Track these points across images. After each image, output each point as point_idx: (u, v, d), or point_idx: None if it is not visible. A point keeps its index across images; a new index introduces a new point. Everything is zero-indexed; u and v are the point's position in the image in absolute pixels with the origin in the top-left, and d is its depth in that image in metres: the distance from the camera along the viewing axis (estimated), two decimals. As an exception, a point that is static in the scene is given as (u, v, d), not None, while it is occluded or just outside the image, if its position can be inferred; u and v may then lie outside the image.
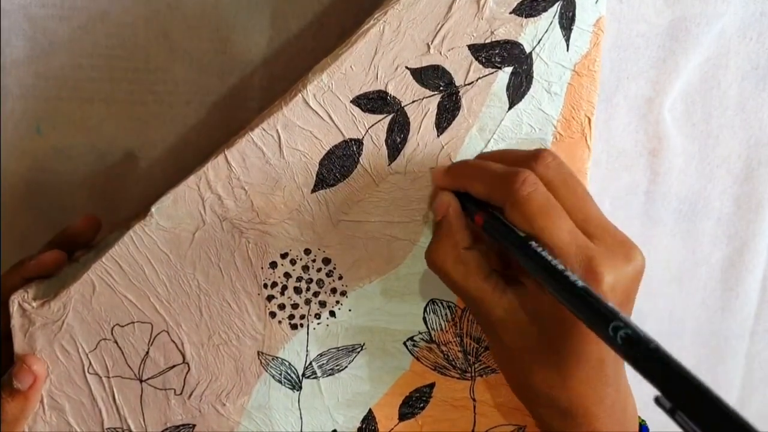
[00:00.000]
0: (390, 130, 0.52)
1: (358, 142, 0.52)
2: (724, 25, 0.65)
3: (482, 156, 0.53)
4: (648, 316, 0.74)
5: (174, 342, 0.55)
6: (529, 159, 0.48)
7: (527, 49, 0.52)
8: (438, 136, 0.53)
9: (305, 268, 0.55)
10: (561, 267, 0.42)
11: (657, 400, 0.36)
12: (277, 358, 0.56)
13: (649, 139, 0.68)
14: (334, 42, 0.62)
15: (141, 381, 0.56)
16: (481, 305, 0.49)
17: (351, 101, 0.51)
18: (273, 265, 0.54)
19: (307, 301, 0.55)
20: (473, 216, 0.49)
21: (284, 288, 0.55)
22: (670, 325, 0.75)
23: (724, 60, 0.67)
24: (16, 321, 0.53)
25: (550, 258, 0.43)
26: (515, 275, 0.50)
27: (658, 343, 0.37)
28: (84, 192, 0.65)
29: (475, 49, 0.51)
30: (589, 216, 0.47)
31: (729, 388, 0.78)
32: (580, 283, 0.41)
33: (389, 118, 0.52)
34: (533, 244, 0.44)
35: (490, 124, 0.53)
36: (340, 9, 0.62)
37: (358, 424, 0.58)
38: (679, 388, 0.35)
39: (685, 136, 0.69)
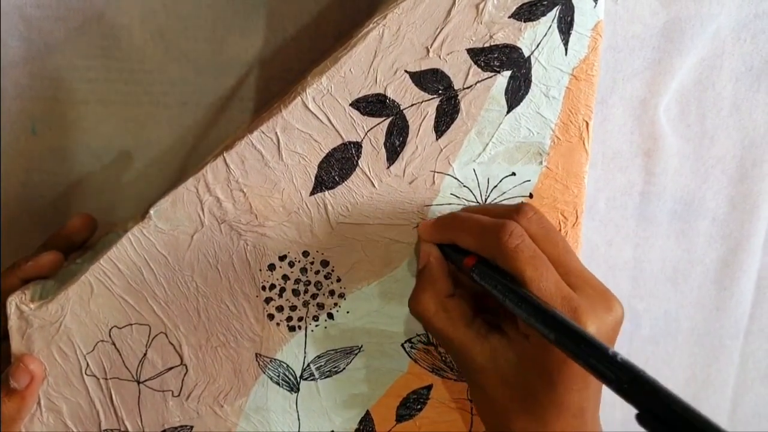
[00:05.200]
0: (389, 133, 0.52)
1: (357, 145, 0.52)
2: (718, 27, 0.65)
3: (467, 209, 0.54)
4: (643, 315, 0.75)
5: (172, 344, 0.55)
6: (511, 212, 0.50)
7: (526, 53, 0.52)
8: (437, 139, 0.53)
9: (303, 270, 0.55)
10: (557, 311, 0.43)
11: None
12: (275, 359, 0.56)
13: (644, 140, 0.68)
14: (330, 43, 0.62)
15: (139, 383, 0.56)
16: (462, 352, 0.50)
17: (350, 104, 0.51)
18: (271, 267, 0.54)
19: (305, 303, 0.55)
20: (461, 261, 0.51)
21: (282, 290, 0.55)
22: (665, 325, 0.75)
23: (718, 61, 0.67)
24: (13, 322, 0.53)
25: (543, 304, 0.44)
26: (494, 322, 0.51)
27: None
28: (79, 192, 0.65)
29: (474, 53, 0.51)
30: (571, 268, 0.49)
31: (723, 388, 0.78)
32: (578, 327, 0.42)
33: (388, 121, 0.52)
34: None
35: (488, 128, 0.53)
36: (337, 10, 0.62)
37: (356, 426, 0.59)
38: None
39: (679, 136, 0.69)
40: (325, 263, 0.55)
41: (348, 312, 0.56)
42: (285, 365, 0.56)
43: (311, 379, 0.57)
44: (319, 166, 0.52)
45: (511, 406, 0.49)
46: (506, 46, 0.51)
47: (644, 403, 0.37)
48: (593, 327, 0.46)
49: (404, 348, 0.57)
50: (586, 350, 0.40)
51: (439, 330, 0.50)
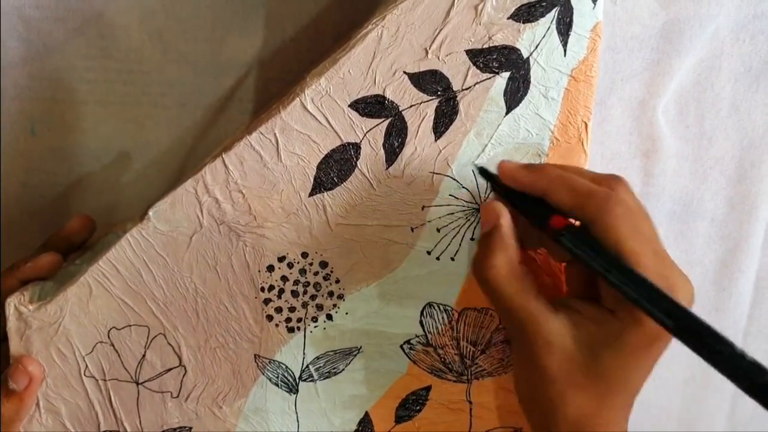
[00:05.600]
0: (388, 134, 0.52)
1: (356, 146, 0.52)
2: (717, 27, 0.65)
3: (553, 165, 0.51)
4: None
5: (171, 345, 0.55)
6: (610, 181, 0.48)
7: (525, 55, 0.52)
8: (435, 140, 0.53)
9: (302, 271, 0.55)
10: (663, 292, 0.42)
11: None
12: (274, 361, 0.56)
13: (643, 141, 0.68)
14: (329, 44, 0.62)
15: (137, 384, 0.56)
16: (529, 324, 0.47)
17: (349, 105, 0.51)
18: (270, 268, 0.54)
19: (304, 305, 0.55)
20: (545, 219, 0.47)
21: (281, 291, 0.55)
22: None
23: (717, 62, 0.67)
24: (12, 324, 0.53)
25: (658, 288, 0.43)
26: (557, 299, 0.49)
27: None
28: (79, 193, 0.65)
29: (473, 54, 0.51)
30: (658, 248, 0.47)
31: (722, 388, 0.78)
32: (703, 321, 0.41)
33: (387, 122, 0.52)
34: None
35: (487, 129, 0.53)
36: (336, 11, 0.62)
37: (355, 427, 0.59)
38: None
39: (678, 137, 0.69)
40: (324, 264, 0.55)
41: (347, 313, 0.56)
42: (284, 366, 0.56)
43: (310, 380, 0.57)
44: (318, 168, 0.52)
45: (572, 382, 0.47)
46: (505, 47, 0.51)
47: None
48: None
49: (403, 349, 0.57)
50: (714, 346, 0.39)
51: (508, 297, 0.48)
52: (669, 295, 0.42)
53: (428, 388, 0.58)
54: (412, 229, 0.55)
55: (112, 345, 0.54)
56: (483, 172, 0.53)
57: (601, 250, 0.45)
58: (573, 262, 0.52)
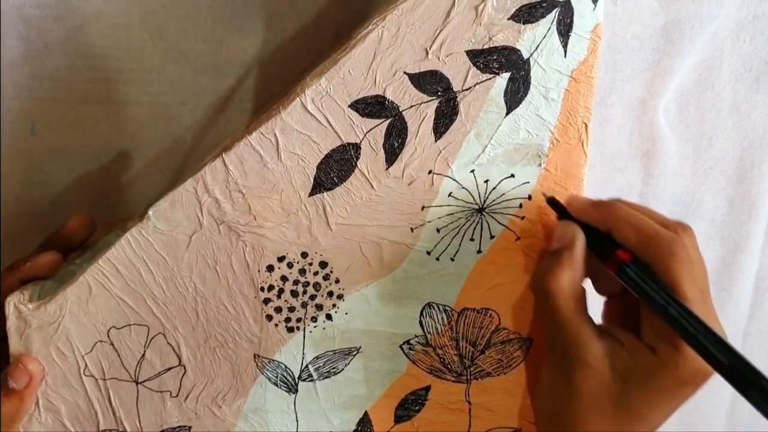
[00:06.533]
0: (388, 134, 0.52)
1: (356, 147, 0.52)
2: (717, 28, 0.65)
3: (623, 202, 0.53)
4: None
5: (170, 344, 0.55)
6: (677, 227, 0.50)
7: (525, 55, 0.52)
8: (435, 140, 0.53)
9: (302, 271, 0.55)
10: (719, 333, 0.44)
11: None
12: (273, 360, 0.56)
13: (643, 141, 0.68)
14: (329, 43, 0.62)
15: (137, 383, 0.56)
16: (574, 344, 0.50)
17: (349, 106, 0.51)
18: (270, 268, 0.54)
19: (304, 305, 0.55)
20: (611, 251, 0.49)
21: (281, 291, 0.55)
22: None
23: (717, 62, 0.67)
24: (11, 323, 0.53)
25: (705, 322, 0.45)
26: (602, 327, 0.51)
27: None
28: (79, 193, 0.65)
29: (473, 55, 0.51)
30: (709, 304, 0.49)
31: (722, 389, 0.78)
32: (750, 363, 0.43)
33: (387, 122, 0.52)
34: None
35: (487, 130, 0.53)
36: (336, 10, 0.62)
37: (354, 427, 0.59)
38: None
39: (678, 137, 0.69)
40: (323, 264, 0.55)
41: (346, 313, 0.56)
42: (283, 366, 0.56)
43: (309, 380, 0.57)
44: (318, 168, 0.52)
45: (597, 407, 0.49)
46: (505, 47, 0.51)
47: None
48: None
49: (402, 349, 0.57)
50: (764, 387, 0.41)
51: (563, 314, 0.50)
52: (721, 335, 0.44)
53: (427, 389, 0.58)
54: (412, 230, 0.55)
55: (112, 344, 0.54)
56: (552, 202, 0.54)
57: (660, 285, 0.47)
58: (615, 297, 0.54)
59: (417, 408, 0.59)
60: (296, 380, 0.57)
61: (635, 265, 0.48)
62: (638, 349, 0.49)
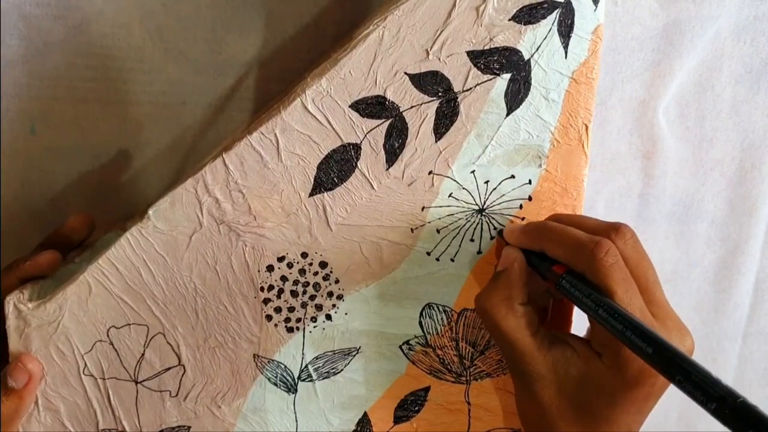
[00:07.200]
0: (388, 135, 0.52)
1: (356, 147, 0.52)
2: (718, 29, 0.65)
3: (558, 218, 0.54)
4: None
5: (170, 344, 0.55)
6: (608, 230, 0.50)
7: (526, 56, 0.52)
8: (436, 141, 0.53)
9: (302, 271, 0.55)
10: (651, 329, 0.44)
11: None
12: (273, 360, 0.56)
13: (644, 142, 0.68)
14: (329, 43, 0.62)
15: (136, 383, 0.56)
16: (523, 359, 0.50)
17: (349, 106, 0.51)
18: (270, 268, 0.54)
19: (304, 305, 0.55)
20: (548, 268, 0.50)
21: (281, 291, 0.55)
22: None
23: (718, 63, 0.67)
24: (11, 322, 0.53)
25: (639, 320, 0.45)
26: (557, 336, 0.52)
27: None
28: (78, 192, 0.65)
29: (474, 56, 0.51)
30: (655, 299, 0.50)
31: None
32: (676, 347, 0.42)
33: (387, 123, 0.52)
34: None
35: (488, 130, 0.53)
36: (336, 11, 0.62)
37: (354, 427, 0.59)
38: None
39: (679, 138, 0.69)
40: (323, 264, 0.55)
41: (346, 313, 0.56)
42: (283, 366, 0.56)
43: (309, 381, 0.57)
44: (318, 168, 0.52)
45: (563, 416, 0.50)
46: (506, 48, 0.51)
47: (745, 429, 0.37)
48: None
49: (402, 350, 0.57)
50: (689, 370, 0.40)
51: (504, 333, 0.50)
52: (647, 327, 0.44)
53: (427, 389, 0.58)
54: (412, 230, 0.55)
55: (111, 344, 0.54)
56: (499, 233, 0.56)
57: (591, 291, 0.47)
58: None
59: (416, 408, 0.59)
60: (296, 380, 0.57)
61: (569, 276, 0.49)
62: (589, 356, 0.49)
